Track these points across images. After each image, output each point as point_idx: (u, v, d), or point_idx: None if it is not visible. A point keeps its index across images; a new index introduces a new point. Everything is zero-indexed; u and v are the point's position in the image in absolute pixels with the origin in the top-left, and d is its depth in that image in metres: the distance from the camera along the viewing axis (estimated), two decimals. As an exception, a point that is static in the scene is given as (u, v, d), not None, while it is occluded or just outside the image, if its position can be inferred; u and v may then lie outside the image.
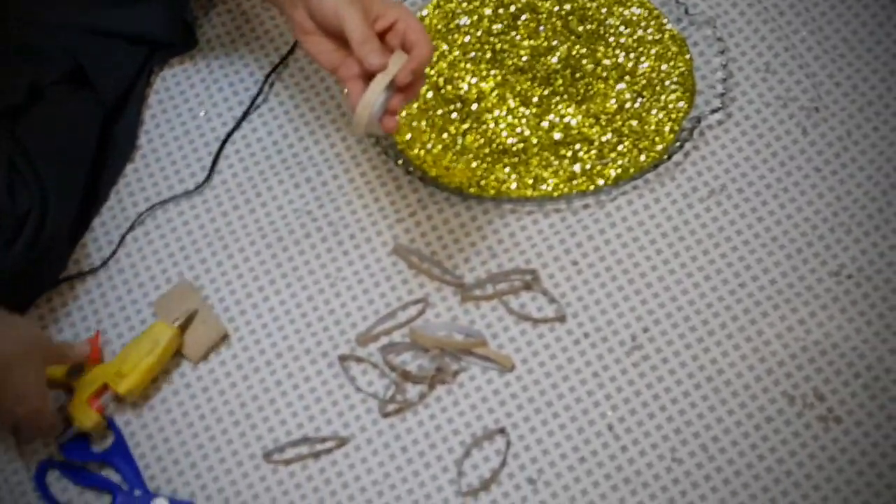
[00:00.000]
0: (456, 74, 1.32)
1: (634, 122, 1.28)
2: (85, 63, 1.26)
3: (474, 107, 1.30)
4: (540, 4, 1.35)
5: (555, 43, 1.33)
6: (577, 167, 1.26)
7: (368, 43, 1.08)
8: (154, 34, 1.32)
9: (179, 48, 1.35)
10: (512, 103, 1.30)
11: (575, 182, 1.26)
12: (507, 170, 1.27)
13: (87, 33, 1.28)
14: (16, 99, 1.20)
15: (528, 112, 1.30)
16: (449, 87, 1.31)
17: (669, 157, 1.26)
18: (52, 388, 1.17)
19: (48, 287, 1.23)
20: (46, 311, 1.23)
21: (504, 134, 1.29)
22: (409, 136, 1.29)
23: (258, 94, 1.33)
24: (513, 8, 1.35)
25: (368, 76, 1.09)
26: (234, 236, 1.26)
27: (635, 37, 1.33)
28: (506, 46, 1.33)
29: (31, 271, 1.19)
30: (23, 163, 1.18)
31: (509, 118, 1.29)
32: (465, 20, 1.35)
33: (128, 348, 1.19)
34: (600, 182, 1.26)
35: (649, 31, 1.33)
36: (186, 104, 1.34)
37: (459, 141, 1.28)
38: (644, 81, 1.30)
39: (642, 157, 1.27)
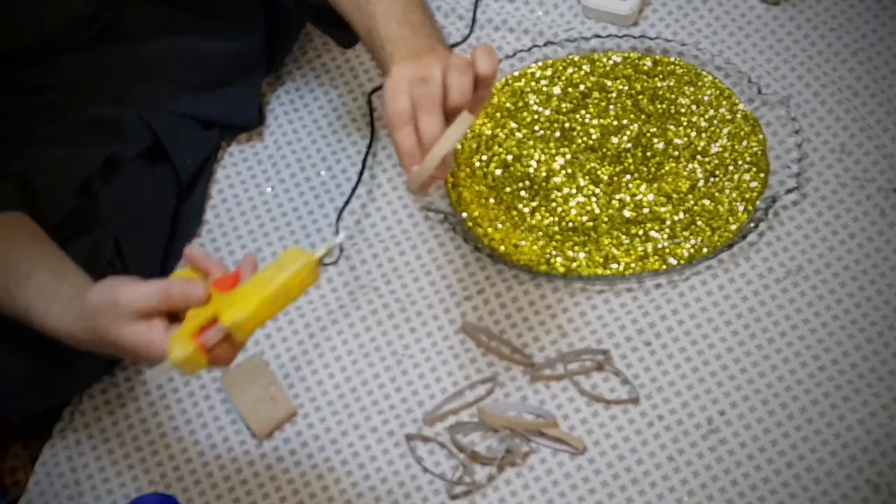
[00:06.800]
0: (524, 152, 1.31)
1: (707, 202, 1.26)
2: (166, 142, 1.26)
3: (543, 184, 1.29)
4: (609, 84, 1.34)
5: (625, 122, 1.32)
6: (648, 246, 1.24)
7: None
8: (228, 119, 1.34)
9: (248, 125, 1.36)
10: (582, 181, 1.28)
11: (647, 261, 1.24)
12: (576, 248, 1.25)
13: (166, 114, 1.29)
14: (95, 166, 1.20)
15: (598, 190, 1.28)
16: (518, 165, 1.30)
17: (744, 238, 1.23)
18: None
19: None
20: (110, 385, 1.22)
21: (574, 212, 1.27)
22: (477, 213, 1.27)
23: (362, 173, 1.31)
24: (582, 87, 1.34)
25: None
26: (300, 311, 1.24)
27: (707, 116, 1.31)
28: (575, 125, 1.32)
29: None
30: (105, 243, 1.17)
31: (579, 196, 1.28)
32: (533, 99, 1.34)
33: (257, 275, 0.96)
34: (672, 261, 1.23)
35: (721, 110, 1.31)
36: (254, 180, 1.33)
37: (528, 218, 1.27)
38: (717, 161, 1.28)
39: (716, 237, 1.24)
